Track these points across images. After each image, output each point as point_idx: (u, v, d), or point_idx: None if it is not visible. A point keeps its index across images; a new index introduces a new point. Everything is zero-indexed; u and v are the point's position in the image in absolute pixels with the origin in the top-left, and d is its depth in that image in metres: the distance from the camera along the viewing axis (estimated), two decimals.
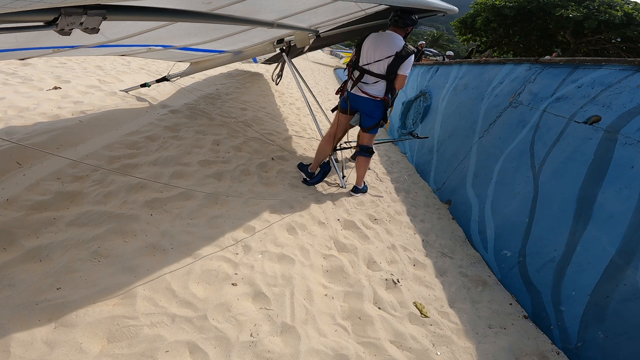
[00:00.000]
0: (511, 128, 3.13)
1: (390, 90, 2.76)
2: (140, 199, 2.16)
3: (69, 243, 1.68)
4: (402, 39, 2.65)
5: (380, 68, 2.66)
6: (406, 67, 2.63)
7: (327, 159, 3.17)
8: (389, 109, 2.90)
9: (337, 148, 3.32)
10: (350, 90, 2.85)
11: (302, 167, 3.23)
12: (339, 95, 3.10)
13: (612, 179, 2.02)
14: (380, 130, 3.27)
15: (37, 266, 1.52)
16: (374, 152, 3.10)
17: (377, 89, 2.75)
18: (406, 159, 5.09)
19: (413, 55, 2.62)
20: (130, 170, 2.49)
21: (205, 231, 2.05)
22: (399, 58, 2.59)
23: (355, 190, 3.16)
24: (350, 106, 2.90)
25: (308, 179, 3.10)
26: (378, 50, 2.63)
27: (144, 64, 6.61)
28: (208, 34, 2.98)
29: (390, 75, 2.67)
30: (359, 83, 2.78)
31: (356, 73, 2.80)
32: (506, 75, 3.77)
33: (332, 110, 3.17)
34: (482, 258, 2.62)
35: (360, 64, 2.74)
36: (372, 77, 2.71)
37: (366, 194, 3.25)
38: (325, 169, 3.12)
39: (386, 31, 2.71)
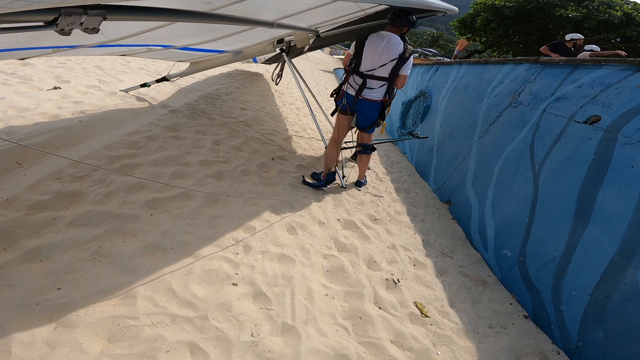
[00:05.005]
0: (511, 128, 3.13)
1: (390, 90, 2.81)
2: (141, 199, 2.16)
3: (69, 243, 1.67)
4: (400, 39, 2.66)
5: (385, 72, 2.68)
6: (407, 68, 2.69)
7: (335, 167, 3.18)
8: (387, 109, 2.93)
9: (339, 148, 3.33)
10: (352, 94, 2.84)
11: (314, 175, 3.25)
12: (333, 98, 3.08)
13: (612, 178, 2.02)
14: (377, 130, 3.28)
15: (37, 266, 1.52)
16: (375, 149, 3.28)
17: (381, 92, 2.79)
18: (406, 159, 5.09)
19: (412, 57, 2.68)
20: (130, 170, 2.49)
21: (205, 231, 2.05)
22: (402, 60, 2.64)
23: (359, 184, 3.36)
24: (350, 108, 2.91)
25: (315, 182, 3.10)
26: (383, 54, 2.63)
27: (144, 64, 6.61)
28: (208, 34, 2.98)
29: (393, 77, 2.71)
30: (364, 89, 2.76)
31: (357, 79, 2.77)
32: (506, 75, 3.77)
33: (332, 114, 3.18)
34: (482, 258, 2.62)
35: (363, 69, 2.72)
36: (378, 81, 2.72)
37: (366, 194, 3.27)
38: (329, 178, 3.13)
39: (383, 32, 2.69)
